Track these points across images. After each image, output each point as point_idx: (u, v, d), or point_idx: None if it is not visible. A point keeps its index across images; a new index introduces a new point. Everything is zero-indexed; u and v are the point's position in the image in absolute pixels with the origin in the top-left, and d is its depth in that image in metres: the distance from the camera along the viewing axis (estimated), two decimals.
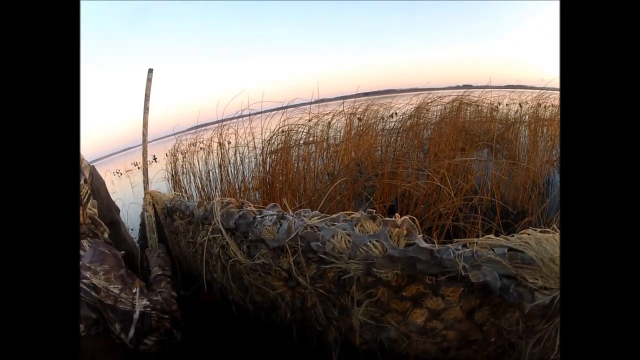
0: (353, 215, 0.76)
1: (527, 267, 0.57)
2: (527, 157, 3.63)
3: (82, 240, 1.07)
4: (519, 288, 0.58)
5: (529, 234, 0.60)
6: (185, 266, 1.52)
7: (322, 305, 0.87)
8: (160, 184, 3.63)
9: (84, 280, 0.99)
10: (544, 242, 0.57)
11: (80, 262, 1.01)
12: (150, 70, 1.60)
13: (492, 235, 0.64)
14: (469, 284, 0.63)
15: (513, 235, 0.62)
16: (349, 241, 0.72)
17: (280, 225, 0.85)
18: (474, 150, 3.65)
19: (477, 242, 0.63)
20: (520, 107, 5.67)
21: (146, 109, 1.60)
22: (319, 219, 0.80)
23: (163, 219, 1.54)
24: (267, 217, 0.89)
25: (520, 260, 0.58)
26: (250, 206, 0.98)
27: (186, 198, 1.34)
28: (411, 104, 5.32)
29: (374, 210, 0.74)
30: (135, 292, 1.04)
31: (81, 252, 1.04)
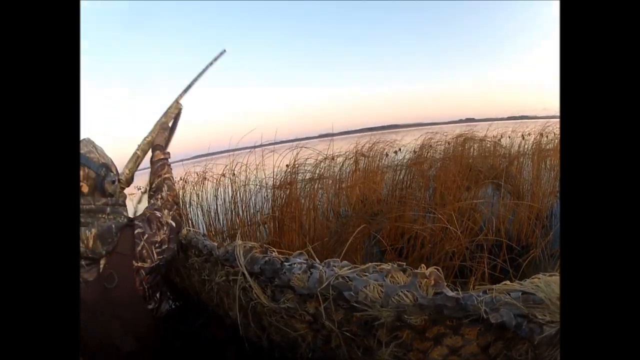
0: (382, 267, 0.84)
1: (538, 306, 0.68)
2: (530, 190, 3.68)
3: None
4: (530, 324, 0.69)
5: (539, 279, 0.72)
6: (194, 294, 1.51)
7: (347, 346, 0.92)
8: None
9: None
10: (552, 284, 0.68)
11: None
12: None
13: (507, 282, 0.76)
14: (487, 324, 0.72)
15: (526, 280, 0.74)
16: (381, 291, 0.79)
17: (311, 274, 0.90)
18: (480, 188, 3.74)
19: (495, 289, 0.74)
20: (523, 138, 5.79)
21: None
22: (349, 269, 0.87)
23: (175, 253, 1.55)
24: (295, 265, 0.95)
25: (532, 302, 0.69)
26: (274, 251, 1.03)
27: (201, 235, 1.39)
28: (415, 138, 5.46)
29: (404, 263, 0.83)
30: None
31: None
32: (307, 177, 3.72)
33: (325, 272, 0.88)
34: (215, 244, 1.23)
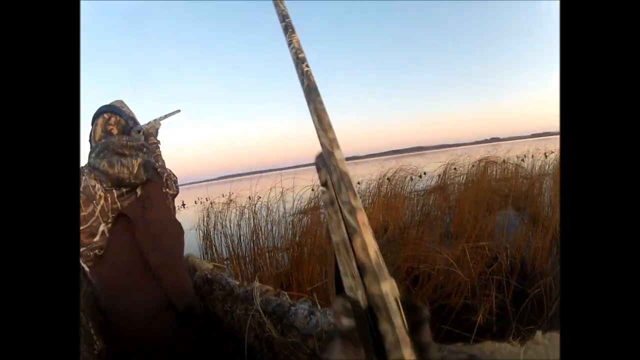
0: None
1: None
2: (550, 212, 3.62)
3: None
4: None
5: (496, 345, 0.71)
6: (216, 318, 1.74)
7: None
8: (190, 234, 3.70)
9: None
10: (497, 353, 0.69)
11: None
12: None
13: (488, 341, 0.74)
14: None
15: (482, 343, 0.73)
16: None
17: (311, 319, 1.12)
18: (499, 212, 3.74)
19: (448, 349, 0.73)
20: (545, 156, 5.70)
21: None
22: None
23: (201, 283, 1.79)
24: (300, 310, 1.17)
25: None
26: (285, 295, 1.28)
27: (226, 272, 1.65)
28: (440, 162, 5.50)
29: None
30: None
31: None
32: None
33: (321, 319, 1.10)
34: (237, 283, 1.49)
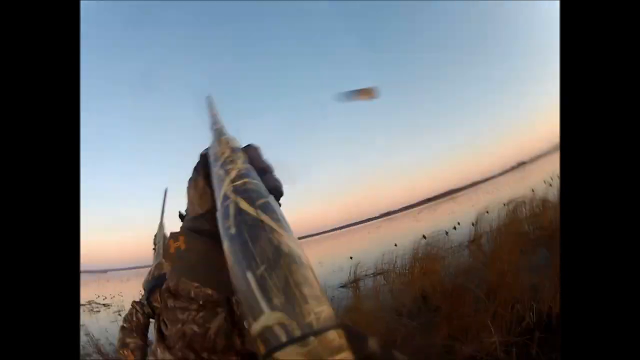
0: None
1: None
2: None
3: None
4: None
5: None
6: None
7: None
8: None
9: None
10: None
11: None
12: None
13: None
14: None
15: None
16: None
17: None
18: (532, 252, 3.57)
19: None
20: None
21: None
22: None
23: None
24: None
25: None
26: None
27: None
28: (471, 205, 5.36)
29: None
30: None
31: None
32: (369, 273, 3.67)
33: None
34: None
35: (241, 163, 0.36)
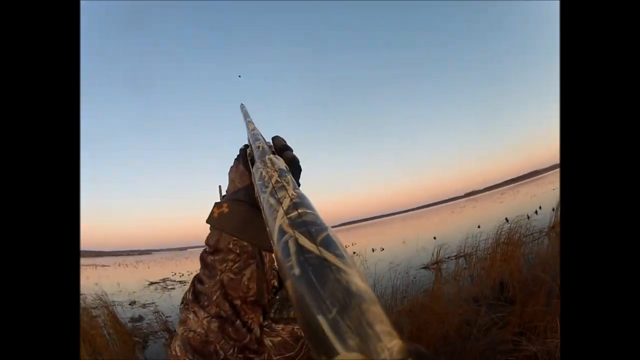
0: None
1: None
2: None
3: None
4: None
5: None
6: None
7: None
8: None
9: None
10: None
11: None
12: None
13: None
14: None
15: None
16: None
17: None
18: None
19: None
20: None
21: None
22: None
23: None
24: None
25: None
26: None
27: None
28: (554, 187, 5.15)
29: None
30: None
31: None
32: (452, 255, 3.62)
33: None
34: None
35: (292, 190, 0.37)
